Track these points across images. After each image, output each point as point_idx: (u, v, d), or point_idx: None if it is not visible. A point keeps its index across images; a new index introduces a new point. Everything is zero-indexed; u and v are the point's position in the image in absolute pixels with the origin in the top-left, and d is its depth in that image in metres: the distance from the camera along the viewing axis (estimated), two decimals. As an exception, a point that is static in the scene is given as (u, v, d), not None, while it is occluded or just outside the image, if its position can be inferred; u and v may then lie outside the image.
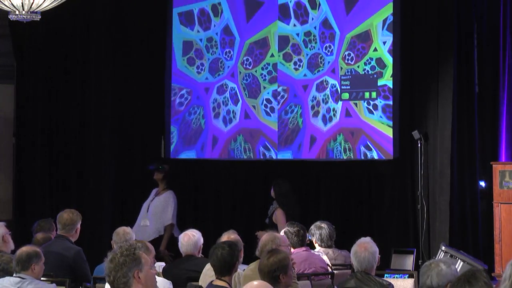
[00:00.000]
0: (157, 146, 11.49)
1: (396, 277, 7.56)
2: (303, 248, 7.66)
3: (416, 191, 9.96)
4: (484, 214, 9.77)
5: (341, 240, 8.51)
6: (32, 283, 6.40)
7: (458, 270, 5.26)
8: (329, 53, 10.59)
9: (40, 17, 7.94)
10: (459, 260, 8.43)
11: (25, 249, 6.55)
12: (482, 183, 9.95)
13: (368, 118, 10.28)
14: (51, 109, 11.57)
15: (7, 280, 6.40)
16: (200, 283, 6.75)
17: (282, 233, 7.96)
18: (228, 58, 11.17)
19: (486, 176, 9.78)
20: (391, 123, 10.15)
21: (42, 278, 6.76)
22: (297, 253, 7.51)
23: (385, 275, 7.52)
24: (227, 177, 11.36)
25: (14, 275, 6.44)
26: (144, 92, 11.50)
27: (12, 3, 7.72)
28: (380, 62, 10.25)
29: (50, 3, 7.82)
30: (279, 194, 9.90)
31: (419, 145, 9.93)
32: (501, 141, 9.79)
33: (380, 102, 10.20)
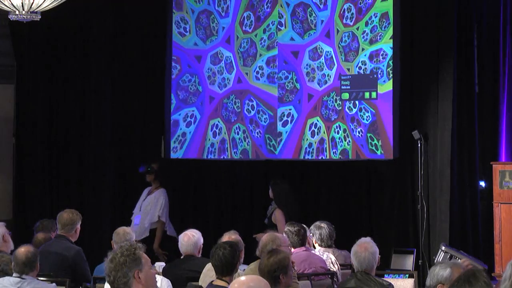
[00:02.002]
0: (157, 146, 11.49)
1: (396, 277, 7.56)
2: (303, 248, 7.66)
3: (416, 191, 9.96)
4: (484, 214, 9.77)
5: (341, 240, 8.52)
6: (32, 283, 6.39)
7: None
8: (321, 5, 9.63)
9: (40, 17, 7.93)
10: (459, 260, 8.43)
11: (27, 249, 6.51)
12: (482, 183, 9.95)
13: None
14: (51, 109, 11.57)
15: (7, 280, 6.40)
16: (200, 283, 6.75)
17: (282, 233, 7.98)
18: (223, 14, 10.04)
19: (486, 176, 9.78)
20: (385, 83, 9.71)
21: (42, 278, 6.77)
22: (297, 253, 7.52)
23: (385, 275, 7.52)
24: (227, 177, 11.35)
25: (15, 275, 6.43)
26: (144, 92, 11.50)
27: (12, 3, 7.72)
28: (384, 18, 9.47)
29: (50, 3, 7.82)
30: (277, 194, 9.90)
31: (419, 145, 9.93)
32: (501, 141, 9.79)
33: (370, 65, 9.88)
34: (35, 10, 7.81)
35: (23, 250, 6.51)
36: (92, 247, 10.17)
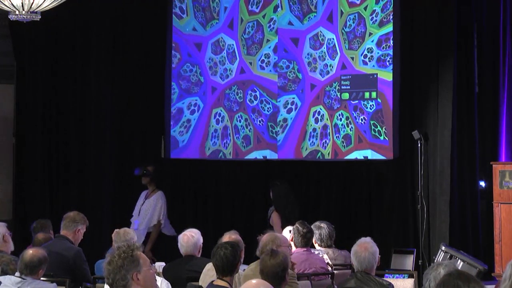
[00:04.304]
0: (157, 146, 11.49)
1: (396, 277, 7.56)
2: (304, 249, 7.66)
3: (416, 191, 9.96)
4: (484, 214, 9.78)
5: (341, 240, 8.52)
6: (32, 283, 6.39)
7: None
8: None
9: (40, 17, 7.93)
10: (459, 260, 8.43)
11: (34, 253, 6.46)
12: (482, 183, 9.96)
13: (362, 67, 9.68)
14: (51, 109, 11.57)
15: (8, 279, 6.39)
16: (200, 283, 6.75)
17: (286, 230, 7.98)
18: None
19: (486, 176, 9.79)
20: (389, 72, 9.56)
21: (42, 278, 6.76)
22: (297, 253, 7.52)
23: (385, 275, 7.53)
24: (227, 177, 11.35)
25: (17, 274, 6.42)
26: (144, 92, 11.50)
27: (12, 3, 7.72)
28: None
29: (50, 3, 7.82)
30: (275, 196, 9.90)
31: (419, 145, 9.93)
32: (501, 141, 9.79)
33: (378, 52, 9.71)
34: (35, 10, 7.81)
35: (30, 252, 6.46)
36: (92, 247, 10.15)
